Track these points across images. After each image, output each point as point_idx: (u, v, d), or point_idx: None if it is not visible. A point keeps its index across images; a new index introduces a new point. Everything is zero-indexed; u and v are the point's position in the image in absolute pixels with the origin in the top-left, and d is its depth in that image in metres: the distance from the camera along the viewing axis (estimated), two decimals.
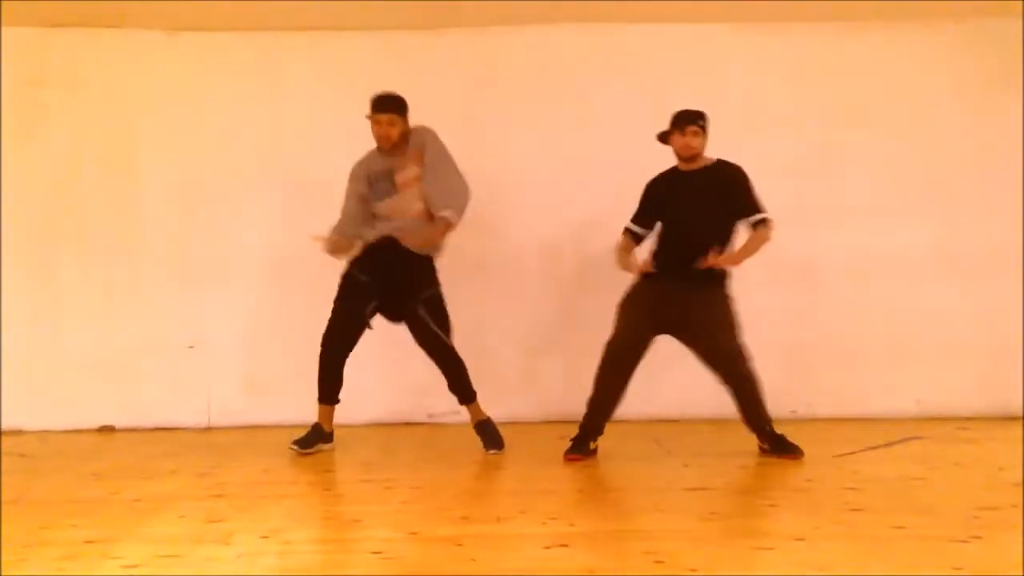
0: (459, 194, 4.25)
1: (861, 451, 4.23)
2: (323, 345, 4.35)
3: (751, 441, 4.44)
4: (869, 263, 5.36)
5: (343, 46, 5.40)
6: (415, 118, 4.96)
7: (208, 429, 5.24)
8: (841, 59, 5.46)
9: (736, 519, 2.97)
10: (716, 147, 5.36)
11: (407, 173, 4.30)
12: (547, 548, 2.60)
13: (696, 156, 4.25)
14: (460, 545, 2.67)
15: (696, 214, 4.19)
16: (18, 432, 5.13)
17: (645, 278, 4.25)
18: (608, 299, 5.22)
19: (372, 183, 4.36)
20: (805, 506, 3.12)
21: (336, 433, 4.48)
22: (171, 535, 2.83)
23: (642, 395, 4.92)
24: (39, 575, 2.44)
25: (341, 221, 4.44)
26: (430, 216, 4.24)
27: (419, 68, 5.38)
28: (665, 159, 5.32)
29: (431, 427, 5.16)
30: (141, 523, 2.99)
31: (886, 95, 5.44)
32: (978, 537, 2.66)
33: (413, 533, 2.81)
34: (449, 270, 4.77)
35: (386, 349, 5.14)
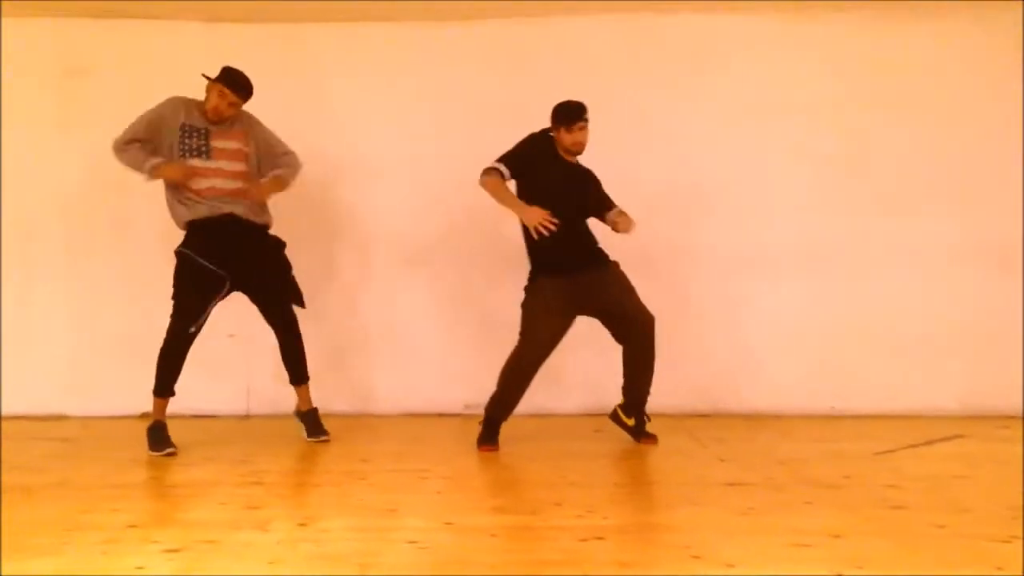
0: (295, 164, 4.44)
1: (901, 448, 4.18)
2: (174, 338, 4.28)
3: (788, 436, 4.41)
4: (910, 254, 5.29)
5: (376, 37, 5.42)
6: (449, 109, 4.98)
7: (247, 417, 5.30)
8: (875, 45, 5.38)
9: (773, 515, 2.94)
10: (746, 135, 5.36)
11: (226, 144, 4.28)
12: (582, 541, 2.60)
13: (580, 151, 4.27)
14: (495, 536, 2.68)
15: (581, 211, 4.29)
16: (61, 418, 5.22)
17: (548, 278, 4.23)
18: (644, 290, 5.24)
19: (183, 134, 4.24)
20: (843, 503, 3.09)
21: (372, 423, 4.51)
22: (210, 521, 2.86)
23: (677, 389, 4.92)
24: (83, 558, 2.48)
25: (133, 141, 4.28)
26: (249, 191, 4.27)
27: (449, 60, 5.40)
28: (698, 149, 5.32)
29: (465, 418, 5.17)
30: (181, 508, 3.04)
31: (922, 82, 5.35)
32: (1018, 537, 2.62)
33: (448, 523, 2.82)
34: (486, 261, 4.80)
35: (424, 340, 5.19)
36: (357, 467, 3.83)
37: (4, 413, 5.20)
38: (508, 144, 4.74)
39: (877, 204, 5.31)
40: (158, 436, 4.20)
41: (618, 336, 4.32)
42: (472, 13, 5.32)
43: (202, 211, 4.22)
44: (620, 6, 5.29)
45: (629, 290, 4.28)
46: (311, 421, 4.46)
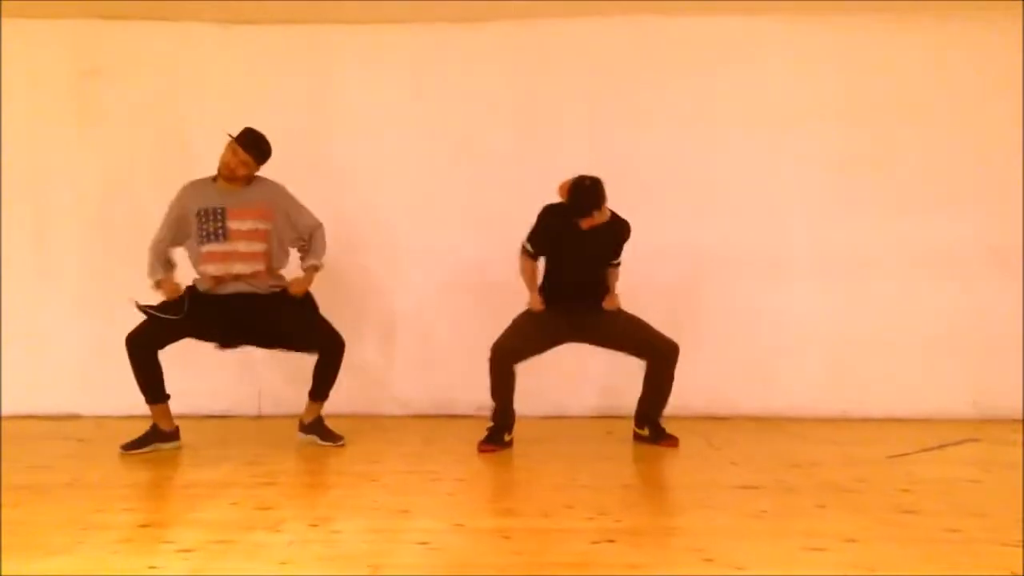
0: (321, 240, 4.44)
1: (915, 452, 4.16)
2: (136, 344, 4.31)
3: (801, 440, 4.40)
4: (923, 259, 5.27)
5: (392, 39, 5.43)
6: (467, 111, 4.98)
7: (259, 418, 5.31)
8: (890, 51, 5.36)
9: (785, 518, 2.93)
10: (762, 141, 5.34)
11: (242, 224, 4.22)
12: (594, 543, 2.60)
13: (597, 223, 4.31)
14: (506, 538, 2.68)
15: (591, 265, 4.41)
16: (75, 417, 5.25)
17: (549, 305, 4.39)
18: (647, 294, 5.24)
19: (200, 219, 4.21)
20: (856, 507, 3.07)
21: (384, 424, 4.51)
22: (223, 521, 2.87)
23: (691, 392, 4.90)
24: (95, 558, 2.49)
25: (160, 244, 4.32)
26: (268, 269, 4.27)
27: (466, 61, 5.40)
28: (709, 152, 5.31)
29: (477, 420, 5.16)
30: (194, 509, 3.05)
31: (932, 84, 5.33)
32: None
33: (459, 525, 2.82)
34: (501, 262, 4.78)
35: (437, 342, 5.20)
36: (369, 468, 3.84)
37: (18, 412, 5.23)
38: (522, 145, 4.77)
39: (890, 207, 5.29)
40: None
41: (636, 356, 4.42)
42: (485, 14, 5.31)
43: (209, 286, 4.24)
44: (641, 7, 5.27)
45: (641, 324, 4.39)
46: (320, 430, 4.45)
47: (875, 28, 5.33)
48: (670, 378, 4.38)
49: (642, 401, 4.49)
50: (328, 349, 4.34)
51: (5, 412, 5.24)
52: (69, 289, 5.39)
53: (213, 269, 4.19)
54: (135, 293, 5.36)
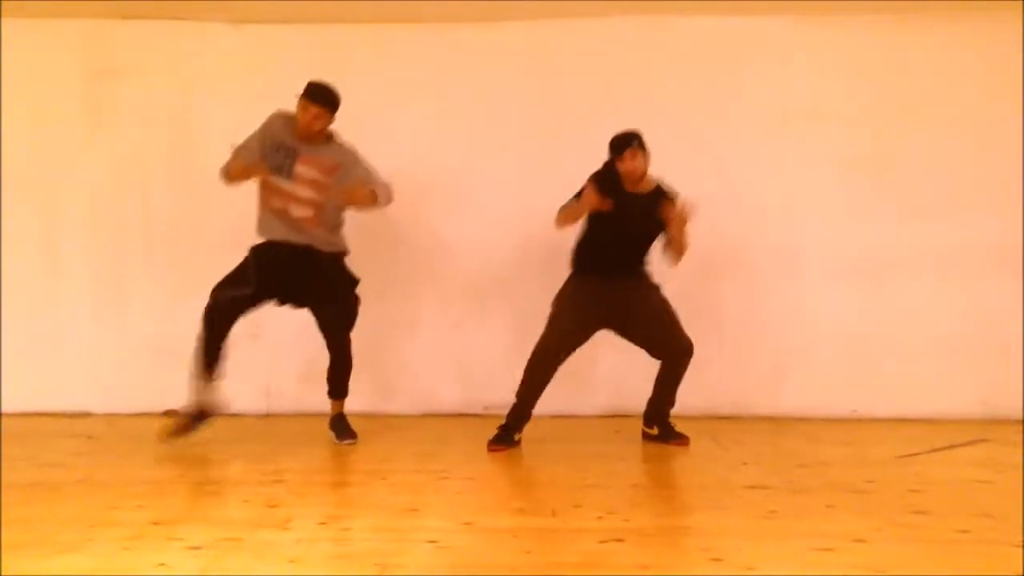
0: (385, 191, 4.41)
1: (924, 452, 4.15)
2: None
3: (810, 440, 4.39)
4: (934, 260, 5.25)
5: (403, 39, 5.43)
6: (475, 112, 4.98)
7: (267, 416, 5.32)
8: (903, 52, 5.34)
9: (795, 518, 2.93)
10: (776, 142, 5.33)
11: (308, 171, 4.27)
12: (602, 543, 2.60)
13: (639, 179, 4.25)
14: (515, 537, 2.68)
15: (634, 236, 4.32)
16: (86, 415, 5.27)
17: (582, 278, 4.34)
18: (668, 292, 5.22)
19: (273, 149, 4.28)
20: (866, 507, 3.07)
21: (392, 423, 4.52)
22: (233, 519, 2.89)
23: (699, 391, 4.90)
24: (106, 554, 2.50)
25: (246, 152, 4.29)
26: (320, 220, 4.31)
27: (477, 61, 5.40)
28: (720, 153, 5.30)
29: (485, 419, 5.16)
30: (204, 506, 3.06)
31: (949, 89, 5.31)
32: None
33: (468, 524, 2.82)
34: (509, 261, 4.79)
35: (442, 341, 5.20)
36: (378, 467, 3.85)
37: (29, 409, 5.25)
38: (530, 145, 4.77)
39: (902, 208, 5.27)
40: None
41: (651, 353, 4.38)
42: (502, 14, 5.31)
43: (276, 233, 4.30)
44: (650, 8, 5.26)
45: (669, 316, 4.33)
46: (337, 425, 4.48)
47: (888, 29, 5.31)
48: (680, 378, 4.37)
49: (652, 400, 4.48)
50: (337, 347, 4.41)
51: (16, 409, 5.26)
52: (80, 287, 5.40)
53: (276, 202, 4.27)
54: (147, 292, 5.41)
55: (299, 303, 4.42)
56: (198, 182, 5.41)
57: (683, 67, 5.39)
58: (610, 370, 5.25)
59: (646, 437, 4.51)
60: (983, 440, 4.41)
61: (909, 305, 5.25)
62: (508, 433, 4.30)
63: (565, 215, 4.27)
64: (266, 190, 4.30)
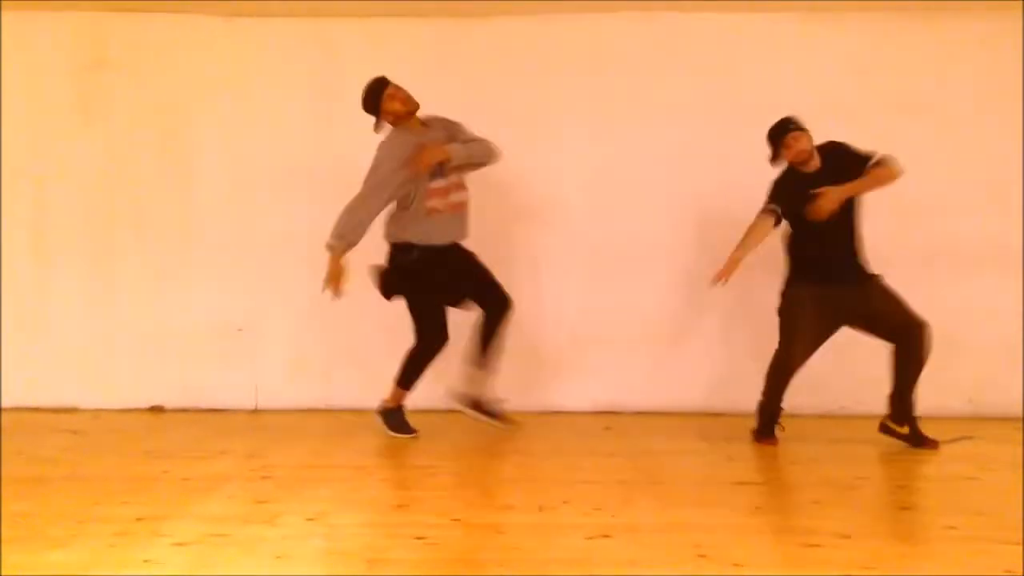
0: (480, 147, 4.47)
1: (906, 448, 4.16)
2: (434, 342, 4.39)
3: (797, 435, 4.40)
4: (926, 256, 5.26)
5: (397, 33, 5.40)
6: (469, 106, 4.94)
7: (255, 411, 5.30)
8: (902, 49, 5.34)
9: (782, 515, 2.94)
10: (751, 139, 5.30)
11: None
12: (590, 539, 2.60)
13: (808, 158, 4.25)
14: (503, 533, 2.68)
15: (838, 224, 4.24)
16: (73, 410, 5.24)
17: (801, 287, 4.32)
18: (652, 289, 5.24)
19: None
20: (853, 503, 3.08)
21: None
22: (219, 515, 2.87)
23: (687, 388, 4.91)
24: (92, 551, 2.49)
25: (366, 217, 4.34)
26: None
27: (472, 55, 5.38)
28: (722, 150, 5.29)
29: None
30: (190, 502, 3.05)
31: (947, 85, 5.32)
32: None
33: (456, 519, 2.82)
34: (500, 259, 4.77)
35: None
36: (367, 462, 3.85)
37: (16, 404, 5.22)
38: (526, 141, 4.76)
39: (887, 206, 5.25)
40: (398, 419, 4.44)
41: (886, 340, 4.31)
42: (497, 9, 5.29)
43: (444, 236, 4.35)
44: (650, 3, 5.25)
45: (894, 301, 4.26)
46: (485, 408, 4.50)
47: (892, 23, 5.31)
48: (921, 362, 4.22)
49: (895, 393, 4.27)
50: (495, 307, 4.42)
51: (4, 404, 5.22)
52: (69, 282, 5.36)
53: (439, 203, 4.31)
54: (136, 287, 5.38)
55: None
56: (189, 176, 5.41)
57: (681, 63, 5.37)
58: (600, 366, 5.25)
59: (890, 433, 4.28)
60: (969, 437, 4.43)
61: None
62: (770, 427, 4.35)
63: (749, 234, 4.34)
64: (432, 196, 4.32)
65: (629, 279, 5.31)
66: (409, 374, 4.41)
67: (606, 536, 2.62)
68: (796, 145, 4.23)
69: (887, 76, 5.34)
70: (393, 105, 4.37)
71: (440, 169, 4.31)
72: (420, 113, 4.43)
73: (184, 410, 5.26)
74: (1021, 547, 2.53)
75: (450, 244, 4.37)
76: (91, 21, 5.38)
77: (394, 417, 4.43)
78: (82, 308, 5.37)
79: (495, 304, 4.41)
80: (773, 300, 4.46)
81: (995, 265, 5.26)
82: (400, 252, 4.37)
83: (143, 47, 5.42)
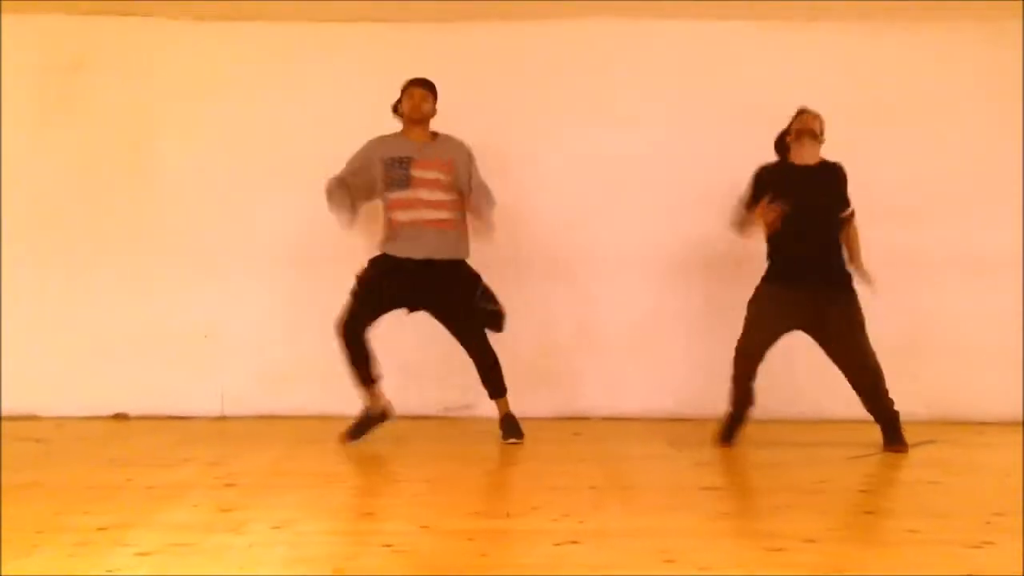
0: (486, 199, 4.45)
1: (875, 454, 4.21)
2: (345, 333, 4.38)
3: (763, 441, 4.44)
4: (887, 262, 5.29)
5: (365, 38, 5.39)
6: (441, 111, 4.94)
7: (221, 418, 5.26)
8: (867, 59, 5.41)
9: (748, 519, 2.96)
10: (742, 145, 5.33)
11: (426, 173, 4.35)
12: (558, 545, 2.60)
13: (812, 139, 4.32)
14: (471, 540, 2.67)
15: (821, 219, 4.32)
16: (34, 418, 5.16)
17: (775, 283, 4.34)
18: (622, 294, 5.25)
19: (387, 167, 4.38)
20: (817, 507, 3.10)
21: (348, 425, 4.50)
22: (183, 523, 2.84)
23: (653, 393, 4.93)
24: (52, 561, 2.45)
25: (340, 181, 4.44)
26: (455, 220, 4.41)
27: (440, 62, 5.35)
28: (690, 156, 5.32)
29: (444, 421, 5.16)
30: (154, 511, 3.01)
31: (912, 96, 5.39)
32: (991, 543, 2.64)
33: (424, 527, 2.81)
34: (472, 262, 4.76)
35: (400, 341, 5.16)
36: (334, 470, 3.82)
37: None
38: (495, 148, 4.76)
39: (857, 214, 5.31)
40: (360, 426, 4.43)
41: (848, 379, 4.39)
42: (464, 15, 5.28)
43: (400, 250, 4.35)
44: (618, 11, 5.28)
45: (856, 333, 4.29)
46: (507, 424, 4.48)
47: (858, 34, 5.38)
48: (880, 395, 4.32)
49: (875, 418, 4.39)
50: (476, 348, 4.45)
51: None
52: (30, 287, 5.28)
53: (402, 215, 4.32)
54: (98, 293, 5.32)
55: (421, 307, 4.48)
56: (153, 180, 5.36)
57: (650, 70, 5.41)
58: (569, 372, 5.26)
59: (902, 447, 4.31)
60: (932, 441, 4.48)
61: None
62: (734, 432, 4.41)
63: (740, 226, 4.42)
64: (389, 207, 4.39)
65: (599, 285, 5.33)
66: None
67: (575, 542, 2.62)
68: (810, 123, 4.29)
69: (883, 81, 5.39)
70: (402, 104, 4.45)
71: (403, 179, 4.32)
72: (440, 129, 4.50)
73: (148, 417, 5.20)
74: (983, 550, 2.57)
75: (406, 259, 4.34)
76: (55, 24, 5.32)
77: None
78: (44, 314, 5.29)
79: (474, 354, 4.45)
80: (743, 306, 4.50)
81: (956, 270, 5.33)
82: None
83: (109, 50, 5.38)
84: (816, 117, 4.36)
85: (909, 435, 4.35)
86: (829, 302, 4.28)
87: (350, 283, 4.49)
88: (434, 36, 5.38)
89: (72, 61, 5.34)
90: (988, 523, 2.88)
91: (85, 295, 5.33)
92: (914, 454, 4.23)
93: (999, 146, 5.37)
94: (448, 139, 4.52)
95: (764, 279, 4.42)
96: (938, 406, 5.21)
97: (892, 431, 4.31)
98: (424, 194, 4.34)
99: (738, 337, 4.41)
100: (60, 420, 5.09)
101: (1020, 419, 5.12)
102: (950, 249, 5.34)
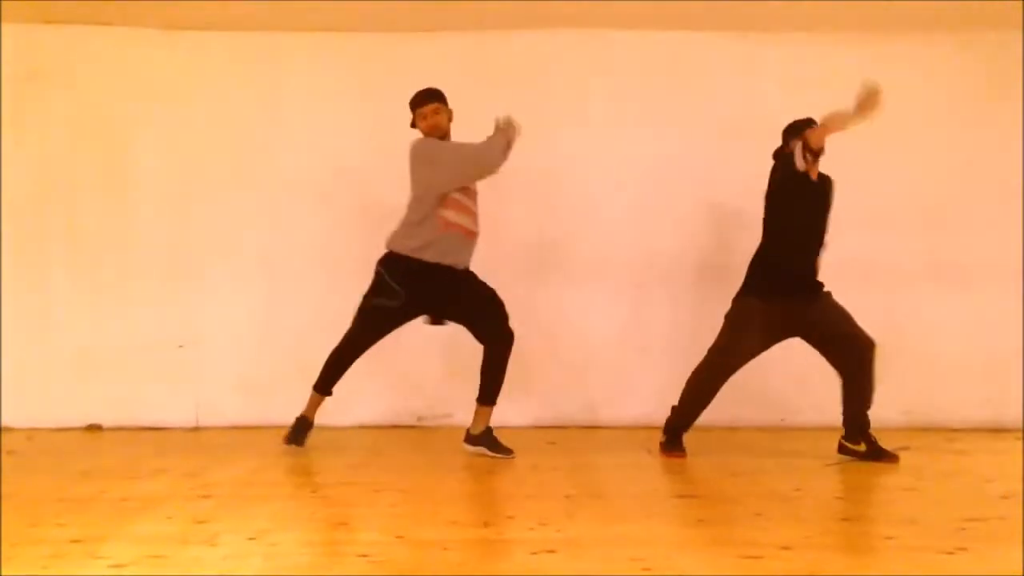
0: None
1: (850, 461, 4.24)
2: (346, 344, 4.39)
3: (740, 449, 4.46)
4: (862, 272, 5.35)
5: (339, 47, 5.37)
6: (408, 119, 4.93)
7: (196, 429, 5.22)
8: (837, 69, 5.42)
9: (724, 527, 2.97)
10: (709, 155, 5.37)
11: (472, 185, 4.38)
12: (534, 554, 2.60)
13: (819, 155, 4.23)
14: (447, 549, 2.66)
15: (822, 232, 4.33)
16: (7, 429, 5.09)
17: (758, 299, 4.29)
18: (597, 303, 5.25)
19: None
20: (793, 515, 3.12)
21: (324, 435, 4.48)
22: (158, 535, 2.82)
23: (629, 401, 4.94)
24: (26, 574, 2.43)
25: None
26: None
27: (415, 70, 5.35)
28: (660, 165, 5.34)
29: (420, 430, 5.15)
30: (128, 523, 2.98)
31: (886, 105, 5.42)
32: (964, 549, 2.66)
33: (400, 537, 2.80)
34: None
35: (377, 351, 5.14)
36: (309, 480, 3.81)
37: None
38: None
39: (834, 223, 5.31)
40: (299, 431, 4.39)
41: (834, 363, 4.35)
42: (440, 24, 5.27)
43: (443, 256, 4.24)
44: (588, 21, 5.28)
45: (844, 317, 4.30)
46: (489, 440, 4.38)
47: (828, 44, 5.41)
48: (871, 378, 4.29)
49: (847, 411, 4.35)
50: (494, 342, 4.35)
51: None
52: (2, 297, 5.22)
53: (455, 217, 4.25)
54: (69, 304, 5.27)
55: (440, 314, 4.42)
56: (126, 191, 5.32)
57: (620, 80, 5.43)
58: (545, 380, 5.27)
59: (848, 453, 4.33)
60: (905, 448, 4.52)
61: None
62: (677, 438, 4.38)
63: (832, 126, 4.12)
64: (449, 207, 4.26)
65: (574, 294, 5.34)
66: (324, 375, 4.41)
67: (551, 551, 2.62)
68: (825, 141, 4.20)
69: (824, 95, 5.35)
70: (418, 125, 4.42)
71: (468, 189, 4.31)
72: (457, 136, 4.49)
73: (123, 428, 5.16)
74: (957, 556, 2.59)
75: (445, 266, 4.26)
76: (26, 34, 5.25)
77: (298, 426, 4.42)
78: (16, 324, 5.23)
79: (491, 338, 4.38)
80: (717, 315, 4.50)
81: (931, 280, 5.38)
82: (392, 261, 4.31)
83: (78, 60, 5.33)
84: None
85: (884, 442, 4.37)
86: (809, 303, 4.30)
87: (327, 292, 4.48)
88: (410, 45, 5.37)
89: (39, 70, 5.28)
90: (962, 529, 2.91)
91: (57, 305, 5.28)
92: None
93: (977, 156, 5.42)
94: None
95: (755, 293, 4.32)
96: (913, 413, 5.26)
97: (872, 437, 4.33)
98: (470, 203, 4.35)
99: (713, 348, 4.38)
100: (32, 431, 5.03)
101: (993, 425, 5.17)
102: (926, 257, 5.38)
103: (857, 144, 5.31)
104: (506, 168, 5.29)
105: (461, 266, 4.31)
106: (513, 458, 4.27)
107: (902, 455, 4.35)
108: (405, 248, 4.26)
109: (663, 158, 5.35)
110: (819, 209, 4.29)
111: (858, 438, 4.30)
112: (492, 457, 4.29)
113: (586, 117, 5.41)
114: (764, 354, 4.55)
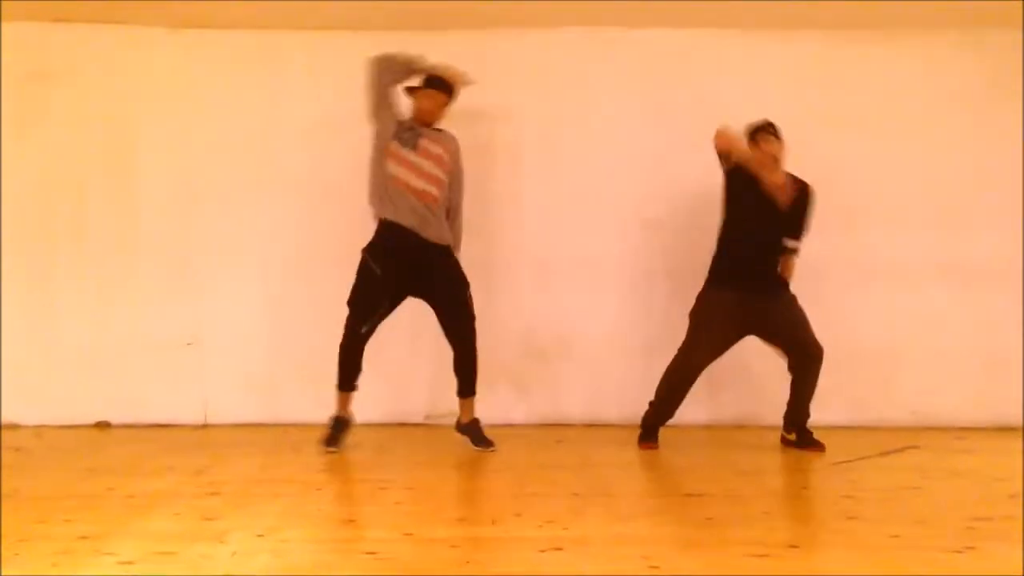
0: (459, 224, 4.60)
1: (857, 460, 4.23)
2: (347, 335, 4.40)
3: (746, 447, 4.45)
4: (868, 270, 5.34)
5: (343, 46, 5.35)
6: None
7: (204, 426, 5.23)
8: (842, 66, 5.44)
9: (731, 526, 2.96)
10: (711, 153, 5.32)
11: (433, 147, 4.40)
12: (542, 552, 2.60)
13: (772, 167, 4.36)
14: (455, 547, 2.67)
15: (774, 234, 4.40)
16: (14, 426, 5.11)
17: (717, 291, 4.42)
18: (602, 303, 5.25)
19: (399, 125, 4.42)
20: (801, 514, 3.12)
21: None
22: (166, 532, 2.83)
23: (636, 399, 4.92)
24: (34, 570, 2.44)
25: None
26: (439, 205, 4.43)
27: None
28: (665, 164, 5.34)
29: (427, 428, 5.15)
30: (136, 520, 2.99)
31: (887, 103, 5.42)
32: (972, 548, 2.66)
33: (408, 534, 2.80)
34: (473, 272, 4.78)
35: (383, 348, 5.16)
36: (317, 477, 3.81)
37: None
38: (472, 155, 4.76)
39: (838, 221, 5.33)
40: (335, 432, 4.40)
41: (788, 363, 4.48)
42: (444, 22, 5.26)
43: (393, 214, 4.33)
44: (595, 19, 5.27)
45: (801, 321, 4.42)
46: (475, 432, 4.44)
47: (833, 41, 5.40)
48: (814, 384, 4.44)
49: (790, 407, 4.52)
50: (463, 339, 4.41)
51: None
52: (9, 296, 5.23)
53: (401, 172, 4.34)
54: (77, 301, 5.28)
55: (416, 293, 4.44)
56: (132, 189, 5.32)
57: (626, 78, 5.42)
58: (552, 379, 5.26)
59: (784, 442, 4.57)
60: (914, 447, 4.51)
61: (839, 314, 5.31)
62: (653, 432, 4.51)
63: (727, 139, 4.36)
64: (393, 160, 4.35)
65: (580, 292, 5.33)
66: (339, 369, 4.43)
67: (558, 549, 2.63)
68: (767, 147, 4.33)
69: (830, 93, 5.41)
70: (417, 101, 4.49)
71: (412, 141, 4.37)
72: (446, 125, 4.57)
73: (131, 426, 5.17)
74: (964, 555, 2.59)
75: (402, 226, 4.32)
76: (30, 33, 5.26)
77: (334, 426, 4.43)
78: (25, 322, 5.24)
79: (458, 339, 4.42)
80: None
81: (937, 278, 5.36)
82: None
83: (84, 58, 5.33)
84: (780, 142, 4.38)
85: (891, 441, 4.37)
86: (768, 300, 4.40)
87: (333, 290, 4.48)
88: (411, 45, 5.30)
89: (45, 69, 5.29)
90: (970, 528, 2.91)
91: (66, 303, 5.29)
92: (896, 459, 4.25)
93: (978, 154, 5.41)
94: (449, 137, 4.56)
95: (709, 284, 4.50)
96: (920, 412, 5.24)
97: (806, 429, 4.51)
98: (426, 166, 4.36)
99: (681, 346, 4.50)
100: (40, 428, 5.05)
101: (1001, 424, 5.16)
102: (930, 256, 5.36)
103: (858, 143, 5.36)
104: (507, 168, 5.33)
105: (421, 232, 4.33)
106: (494, 451, 4.34)
107: (910, 454, 4.34)
108: (373, 205, 4.45)
109: (664, 156, 5.34)
110: (765, 210, 4.34)
111: (791, 429, 4.51)
112: (475, 449, 4.38)
113: (587, 115, 5.40)
114: (773, 353, 4.55)
